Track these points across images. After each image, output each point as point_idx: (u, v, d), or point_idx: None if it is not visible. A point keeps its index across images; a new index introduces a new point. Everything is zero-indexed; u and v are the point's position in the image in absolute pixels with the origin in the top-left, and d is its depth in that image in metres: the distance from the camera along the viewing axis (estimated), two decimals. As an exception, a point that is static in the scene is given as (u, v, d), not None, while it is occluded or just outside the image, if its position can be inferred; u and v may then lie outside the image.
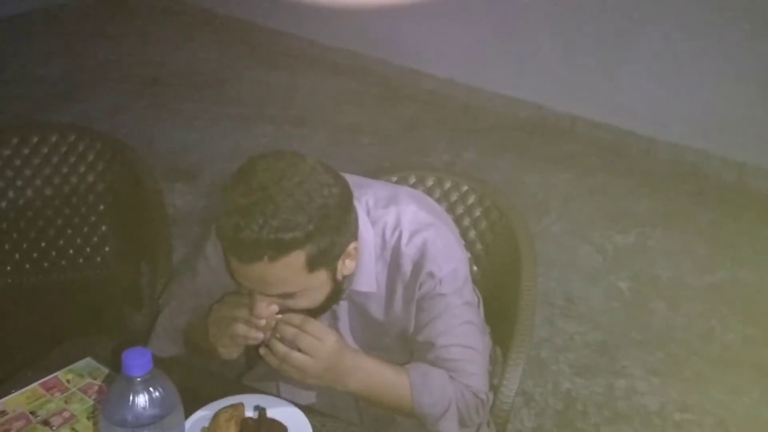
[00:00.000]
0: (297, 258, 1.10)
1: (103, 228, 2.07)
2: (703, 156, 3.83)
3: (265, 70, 4.95)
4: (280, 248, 1.07)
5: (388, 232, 1.27)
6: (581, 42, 4.10)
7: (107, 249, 2.07)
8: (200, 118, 4.31)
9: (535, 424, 2.32)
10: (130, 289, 2.00)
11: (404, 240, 1.26)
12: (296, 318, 1.18)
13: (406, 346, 1.35)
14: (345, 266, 1.22)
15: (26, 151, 2.03)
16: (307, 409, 1.23)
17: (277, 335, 1.18)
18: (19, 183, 2.02)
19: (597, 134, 4.12)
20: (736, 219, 3.44)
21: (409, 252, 1.26)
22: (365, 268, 1.27)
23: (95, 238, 2.07)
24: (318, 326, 1.19)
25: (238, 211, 1.07)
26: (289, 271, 1.11)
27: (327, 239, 1.12)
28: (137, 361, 0.89)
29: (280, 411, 1.19)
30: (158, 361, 0.95)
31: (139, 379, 0.89)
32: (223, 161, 3.74)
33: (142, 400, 0.90)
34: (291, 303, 1.18)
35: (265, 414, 1.06)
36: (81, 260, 2.06)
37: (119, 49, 5.27)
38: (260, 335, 1.19)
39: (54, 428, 1.19)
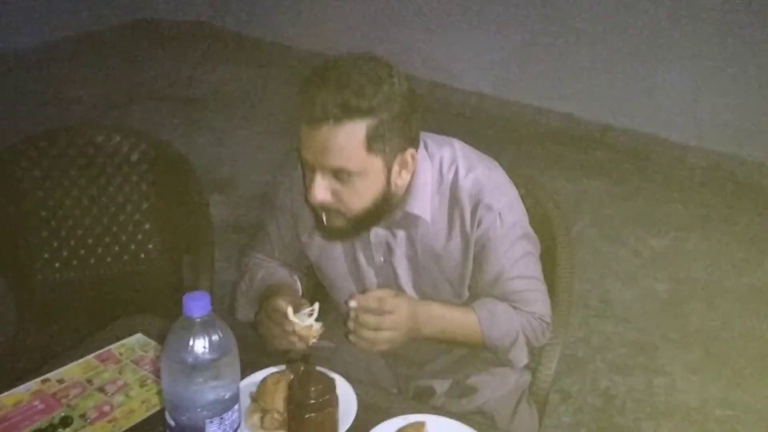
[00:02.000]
0: (359, 129, 1.17)
1: (147, 226, 2.12)
2: (738, 162, 3.82)
3: (293, 88, 5.01)
4: (345, 111, 1.15)
5: (445, 167, 1.33)
6: (612, 50, 4.12)
7: (150, 246, 2.12)
8: (232, 134, 4.40)
9: (574, 420, 2.31)
10: (173, 285, 2.05)
11: (461, 174, 1.32)
12: (372, 301, 1.25)
13: (455, 292, 1.38)
14: (400, 176, 1.27)
15: (73, 151, 2.09)
16: (349, 378, 1.26)
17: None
18: (66, 183, 2.08)
19: (629, 142, 4.12)
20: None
21: (466, 185, 1.31)
22: (420, 193, 1.31)
23: (139, 236, 2.12)
24: (391, 302, 1.25)
25: (315, 77, 1.19)
26: (350, 141, 1.18)
27: (388, 122, 1.18)
28: (197, 302, 0.93)
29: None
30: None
31: (198, 319, 0.93)
32: (254, 173, 3.81)
33: (200, 340, 0.93)
34: (343, 190, 1.22)
35: (314, 364, 1.07)
36: (126, 257, 2.11)
37: (152, 71, 5.40)
38: (302, 346, 1.26)
39: (109, 394, 1.23)
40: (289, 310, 1.25)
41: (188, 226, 2.04)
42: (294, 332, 1.23)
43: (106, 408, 1.20)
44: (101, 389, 1.24)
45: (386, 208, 1.30)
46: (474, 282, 1.37)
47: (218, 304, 1.01)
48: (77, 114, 4.59)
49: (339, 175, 1.21)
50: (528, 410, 1.45)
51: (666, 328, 2.75)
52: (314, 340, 1.25)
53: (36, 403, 1.20)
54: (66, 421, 1.16)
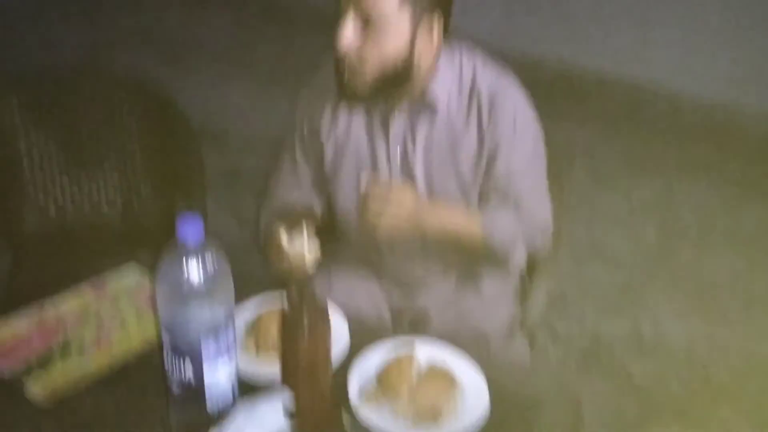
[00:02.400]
0: None
1: (138, 170, 2.11)
2: (730, 108, 3.81)
3: (281, 34, 4.97)
4: None
5: (464, 60, 1.38)
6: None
7: (143, 190, 2.12)
8: (221, 82, 4.35)
9: (562, 360, 2.35)
10: (166, 229, 2.05)
11: (479, 71, 1.37)
12: (379, 188, 1.31)
13: (465, 191, 1.41)
14: (423, 48, 1.30)
15: (60, 96, 2.07)
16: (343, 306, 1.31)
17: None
18: (55, 127, 2.06)
19: (623, 90, 4.10)
20: (766, 167, 3.43)
21: (485, 82, 1.37)
22: (441, 81, 1.36)
23: (131, 180, 2.10)
24: (398, 192, 1.31)
25: None
26: None
27: None
28: (190, 228, 0.94)
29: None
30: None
31: (191, 242, 0.94)
32: (245, 122, 3.80)
33: (194, 268, 0.95)
34: (368, 38, 1.26)
35: (309, 292, 1.07)
36: (119, 201, 2.10)
37: (138, 18, 5.31)
38: (299, 274, 1.28)
39: (106, 326, 1.25)
40: (283, 238, 1.27)
41: (180, 168, 2.03)
42: (288, 259, 1.27)
43: (104, 339, 1.22)
44: (98, 321, 1.26)
45: (404, 80, 1.31)
46: (483, 183, 1.40)
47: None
48: (63, 59, 4.53)
49: (367, 21, 1.25)
50: (522, 341, 1.49)
51: (654, 271, 2.79)
52: (310, 269, 1.26)
53: (33, 334, 1.22)
54: (64, 352, 1.18)
